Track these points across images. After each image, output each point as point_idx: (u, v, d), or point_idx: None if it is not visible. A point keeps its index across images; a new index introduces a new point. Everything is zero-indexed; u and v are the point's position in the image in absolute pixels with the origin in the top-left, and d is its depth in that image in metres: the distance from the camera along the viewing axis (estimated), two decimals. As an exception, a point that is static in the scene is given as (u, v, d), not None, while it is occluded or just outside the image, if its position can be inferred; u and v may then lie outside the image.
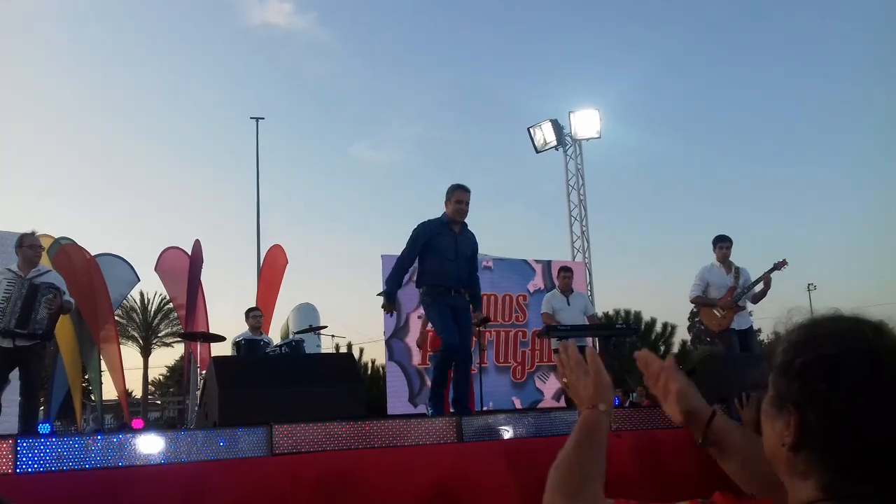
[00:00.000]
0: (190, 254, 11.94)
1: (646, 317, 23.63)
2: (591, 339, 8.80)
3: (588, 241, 14.22)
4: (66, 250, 10.38)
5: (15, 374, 5.85)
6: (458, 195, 5.93)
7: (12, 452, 3.44)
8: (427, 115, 60.21)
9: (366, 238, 53.67)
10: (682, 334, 28.15)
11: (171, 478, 3.50)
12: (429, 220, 6.05)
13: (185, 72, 55.67)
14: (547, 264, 11.08)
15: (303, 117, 57.48)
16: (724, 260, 7.36)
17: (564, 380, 1.35)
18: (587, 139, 14.61)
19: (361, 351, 22.00)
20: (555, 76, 52.97)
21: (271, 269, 12.41)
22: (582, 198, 14.46)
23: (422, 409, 9.48)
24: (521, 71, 55.78)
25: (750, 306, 7.36)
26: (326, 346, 12.45)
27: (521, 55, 56.27)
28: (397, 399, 9.74)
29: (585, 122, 14.48)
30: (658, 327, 23.50)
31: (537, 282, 10.97)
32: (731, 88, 56.98)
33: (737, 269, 7.34)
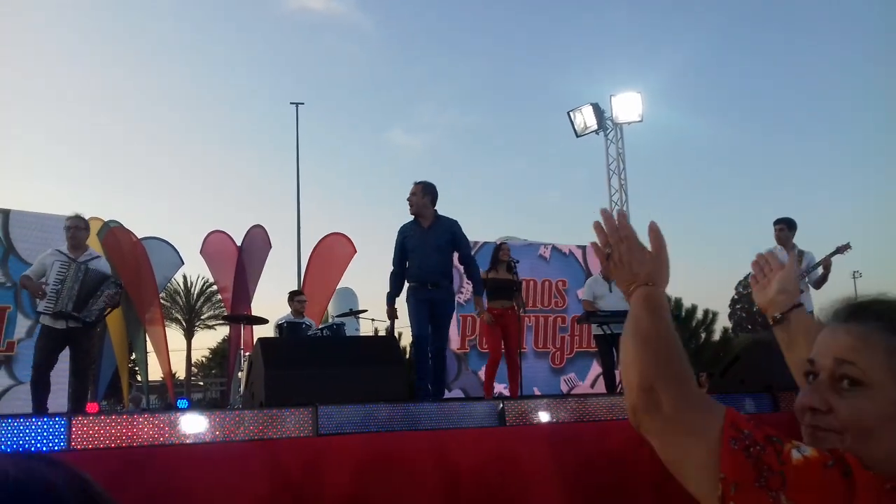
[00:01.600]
0: (243, 238, 12.08)
1: (686, 303, 23.34)
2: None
3: (629, 227, 14.07)
4: (114, 233, 10.60)
5: (63, 355, 5.99)
6: (412, 189, 6.16)
7: (66, 430, 3.53)
8: (463, 99, 60.06)
9: (404, 222, 53.82)
10: (723, 321, 27.75)
11: (220, 456, 3.57)
12: (405, 223, 6.31)
13: (227, 58, 56.32)
14: (582, 249, 10.98)
15: (340, 102, 57.84)
16: (783, 242, 7.23)
17: (607, 250, 1.20)
18: (628, 123, 14.43)
19: (400, 335, 22.11)
20: (595, 59, 52.52)
21: (330, 257, 12.39)
22: (623, 183, 14.30)
23: (456, 393, 9.51)
24: (561, 54, 55.33)
25: (812, 292, 7.17)
26: (366, 330, 12.56)
27: (560, 38, 55.75)
28: (431, 383, 9.79)
29: (627, 106, 14.29)
30: (699, 314, 23.20)
31: (564, 259, 10.89)
32: (777, 70, 55.72)
33: (800, 251, 7.20)
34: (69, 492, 0.52)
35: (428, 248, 6.01)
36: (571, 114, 14.55)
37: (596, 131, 14.51)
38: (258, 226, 12.24)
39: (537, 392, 9.60)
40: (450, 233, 6.11)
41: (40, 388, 5.72)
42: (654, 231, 1.19)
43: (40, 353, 5.87)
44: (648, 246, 1.18)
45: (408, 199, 6.14)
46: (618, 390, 7.62)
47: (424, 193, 6.10)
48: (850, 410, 0.91)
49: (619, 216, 1.21)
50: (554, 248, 10.96)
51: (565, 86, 52.95)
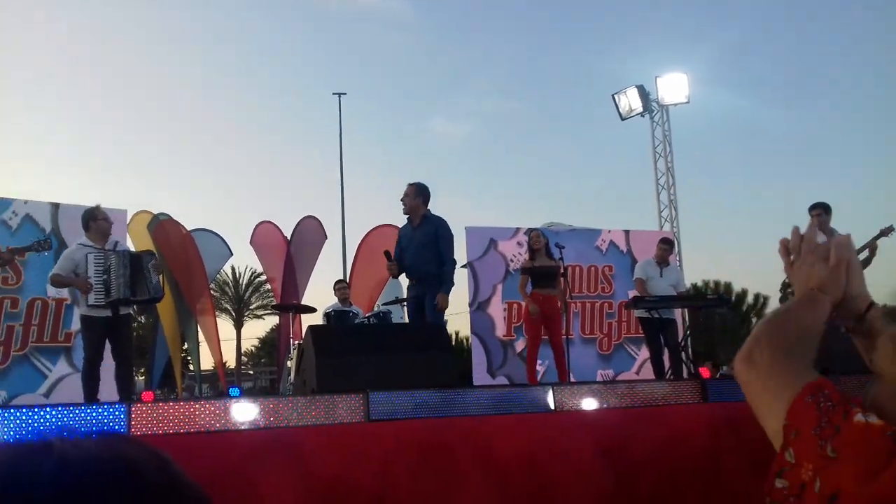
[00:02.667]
0: (293, 230, 12.21)
1: (737, 287, 22.97)
2: (679, 310, 8.63)
3: (676, 211, 13.85)
4: (163, 225, 10.81)
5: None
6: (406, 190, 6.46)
7: (126, 416, 3.64)
8: (504, 85, 59.75)
9: (447, 210, 53.85)
10: (774, 305, 27.23)
11: (274, 442, 3.64)
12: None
13: (271, 49, 56.89)
14: (626, 234, 10.84)
15: (382, 91, 57.99)
16: (822, 228, 7.05)
17: (792, 258, 1.25)
18: (674, 105, 14.18)
19: (445, 322, 22.18)
20: (640, 40, 51.69)
21: (380, 247, 12.39)
22: (669, 166, 14.06)
23: (500, 380, 9.50)
24: (605, 36, 54.69)
25: None
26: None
27: (604, 19, 55.07)
28: (478, 370, 9.77)
29: (673, 87, 14.03)
30: (749, 298, 22.81)
31: (614, 250, 10.77)
32: (827, 50, 54.15)
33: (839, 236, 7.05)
34: (150, 469, 0.53)
35: (414, 246, 6.32)
36: (616, 97, 14.36)
37: (641, 114, 14.28)
38: (311, 216, 12.36)
39: (601, 375, 9.58)
40: (434, 229, 6.33)
41: (91, 380, 5.87)
42: (839, 245, 1.21)
43: (89, 345, 5.99)
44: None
45: (401, 200, 6.44)
46: (667, 376, 7.54)
47: (416, 195, 6.41)
48: None
49: (808, 232, 1.26)
50: (599, 233, 10.86)
51: (609, 68, 52.20)
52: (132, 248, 6.42)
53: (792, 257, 1.26)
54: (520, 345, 9.83)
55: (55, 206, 8.26)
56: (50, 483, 0.49)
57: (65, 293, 7.96)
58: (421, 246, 6.27)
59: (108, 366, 6.07)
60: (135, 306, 6.17)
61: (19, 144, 55.64)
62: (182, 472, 0.56)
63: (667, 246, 8.12)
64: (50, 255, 7.97)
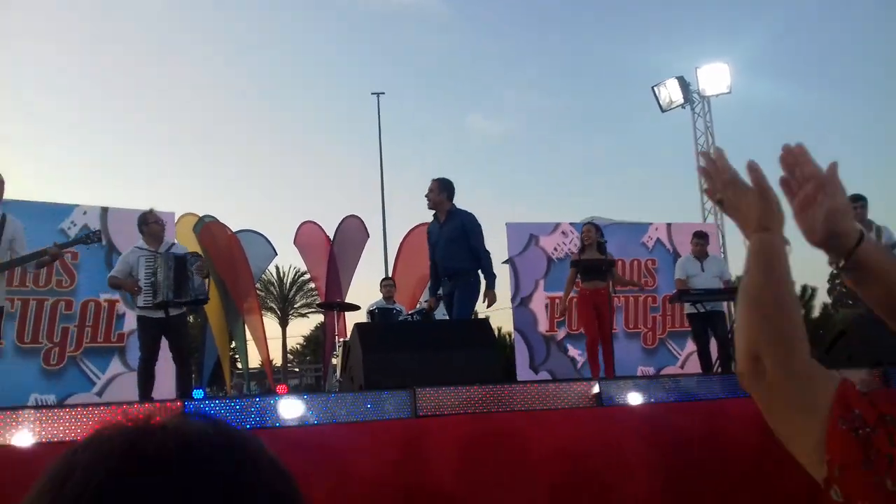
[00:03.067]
0: (336, 230, 12.35)
1: (783, 280, 22.44)
2: (725, 303, 8.50)
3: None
4: (209, 227, 11.01)
5: (164, 344, 6.23)
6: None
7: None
8: (542, 80, 59.39)
9: (487, 207, 53.80)
10: (822, 297, 26.65)
11: (323, 438, 3.70)
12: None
13: (309, 50, 57.42)
14: (668, 227, 10.72)
15: (420, 89, 58.07)
16: (861, 220, 6.92)
17: (718, 196, 1.11)
18: (716, 95, 13.96)
19: (487, 318, 22.17)
20: (679, 31, 50.88)
21: (423, 245, 12.49)
22: (712, 157, 13.86)
23: (543, 375, 9.48)
24: (643, 27, 53.99)
25: None
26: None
27: (642, 10, 54.31)
28: (521, 366, 9.77)
29: (714, 78, 13.82)
30: (797, 290, 22.33)
31: (654, 238, 10.65)
32: (873, 38, 52.66)
33: (878, 227, 6.90)
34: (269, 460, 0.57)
35: (443, 242, 6.27)
36: (656, 88, 14.19)
37: (682, 105, 14.11)
38: (353, 216, 12.49)
39: (641, 371, 9.51)
40: (462, 223, 6.26)
41: (146, 379, 6.03)
42: (753, 170, 1.08)
43: (143, 345, 6.17)
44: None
45: (425, 196, 6.39)
46: (714, 369, 7.46)
47: (441, 190, 6.35)
48: None
49: (717, 157, 1.12)
50: (641, 226, 10.76)
51: (648, 60, 51.56)
52: (184, 251, 6.48)
53: (719, 197, 1.11)
54: (560, 334, 9.80)
55: (104, 210, 8.47)
56: (176, 461, 0.51)
57: (116, 294, 8.17)
58: (449, 241, 6.22)
59: (161, 366, 6.22)
60: (184, 307, 6.27)
61: (67, 148, 57.07)
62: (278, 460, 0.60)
63: (701, 239, 7.98)
64: (102, 257, 8.23)
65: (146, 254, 6.15)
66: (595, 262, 7.34)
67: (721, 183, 1.10)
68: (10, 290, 7.68)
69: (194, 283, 6.11)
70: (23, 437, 3.54)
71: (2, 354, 7.47)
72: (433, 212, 6.48)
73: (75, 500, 0.49)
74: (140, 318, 6.19)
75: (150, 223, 6.31)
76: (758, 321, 0.95)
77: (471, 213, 6.39)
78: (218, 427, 0.56)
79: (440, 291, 6.49)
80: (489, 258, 6.32)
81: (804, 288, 22.67)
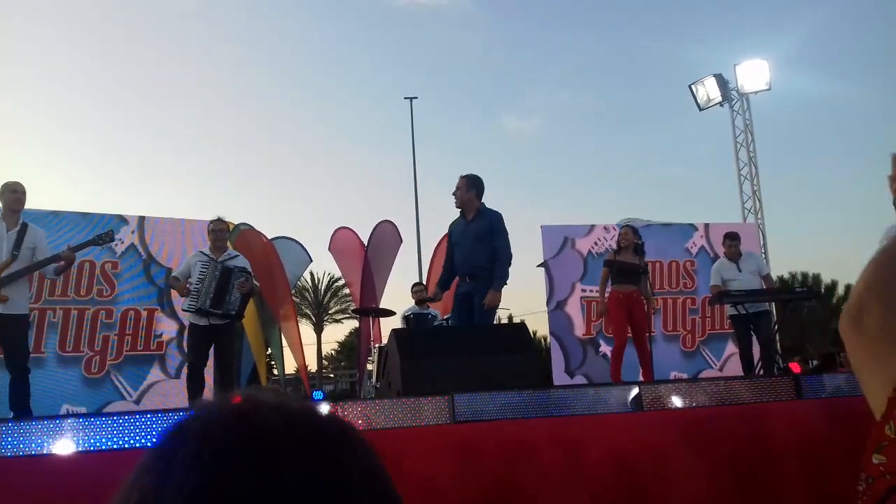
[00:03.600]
0: (370, 234, 12.39)
1: (826, 279, 22.06)
2: (767, 304, 8.32)
3: (760, 202, 13.40)
4: (245, 235, 11.09)
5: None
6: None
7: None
8: (574, 79, 59.08)
9: (522, 208, 53.67)
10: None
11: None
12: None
13: (341, 56, 57.89)
14: (706, 227, 10.54)
15: (452, 92, 58.16)
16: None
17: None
18: (755, 92, 13.74)
19: (523, 322, 22.07)
20: (716, 28, 50.22)
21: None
22: (752, 155, 13.62)
23: (578, 379, 9.37)
24: (678, 25, 53.41)
25: None
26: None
27: (676, 8, 53.79)
28: (556, 369, 9.68)
29: (753, 75, 13.59)
30: (840, 290, 21.88)
31: (698, 245, 10.48)
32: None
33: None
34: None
35: (468, 240, 5.99)
36: (693, 87, 14.02)
37: (720, 103, 13.90)
38: (387, 221, 12.51)
39: (674, 376, 9.34)
40: (487, 223, 5.97)
41: (194, 384, 6.09)
42: None
43: (190, 350, 6.30)
44: None
45: (453, 193, 6.13)
46: (756, 371, 7.30)
47: (469, 187, 6.06)
48: None
49: None
50: (678, 226, 10.60)
51: (685, 58, 50.98)
52: (245, 265, 6.47)
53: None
54: (600, 343, 9.70)
55: (140, 220, 8.58)
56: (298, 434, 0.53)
57: (154, 303, 8.29)
58: (476, 240, 5.94)
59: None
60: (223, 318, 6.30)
61: (102, 156, 58.16)
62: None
63: (732, 241, 7.76)
64: (140, 267, 8.34)
65: (205, 259, 6.26)
66: (629, 265, 7.23)
67: None
68: (51, 300, 7.85)
69: (231, 297, 6.16)
70: (65, 444, 3.58)
71: (42, 363, 7.59)
72: (459, 209, 6.19)
73: (187, 468, 0.50)
74: (191, 325, 6.33)
75: (211, 230, 6.40)
76: (879, 275, 0.94)
77: (499, 213, 6.11)
78: (314, 409, 0.58)
79: (458, 291, 6.19)
80: (508, 261, 6.01)
81: (847, 288, 22.13)
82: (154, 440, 0.55)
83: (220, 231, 6.42)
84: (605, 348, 9.56)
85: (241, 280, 6.20)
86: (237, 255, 6.62)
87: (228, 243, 6.79)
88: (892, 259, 0.95)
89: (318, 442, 0.53)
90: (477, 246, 5.95)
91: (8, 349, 5.51)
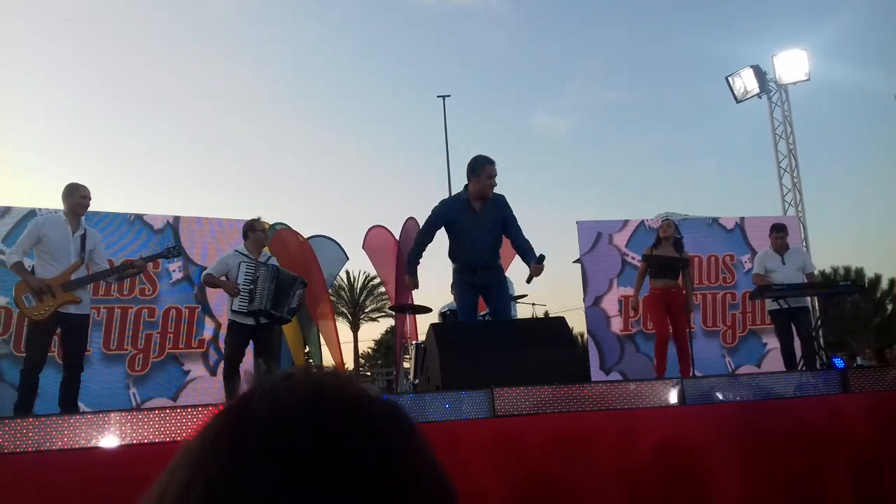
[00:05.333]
0: (400, 231, 12.43)
1: (869, 273, 21.58)
2: (809, 298, 8.18)
3: (801, 194, 13.16)
4: (280, 235, 11.18)
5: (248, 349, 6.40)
6: (489, 170, 5.62)
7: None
8: (607, 74, 58.59)
9: (556, 205, 53.40)
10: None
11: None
12: (447, 199, 6.05)
13: (376, 57, 58.23)
14: (741, 221, 10.36)
15: (483, 90, 58.03)
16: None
17: None
18: (794, 83, 13.49)
19: (563, 318, 21.92)
20: (753, 17, 49.39)
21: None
22: (791, 147, 13.37)
23: (614, 376, 9.26)
24: (713, 16, 52.62)
25: None
26: (522, 315, 12.51)
27: (711, 0, 53.03)
28: (592, 367, 9.59)
29: (791, 65, 13.34)
30: (884, 284, 21.40)
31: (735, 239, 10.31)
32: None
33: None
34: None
35: (484, 234, 5.71)
36: (730, 79, 13.80)
37: (758, 95, 13.67)
38: (412, 218, 12.52)
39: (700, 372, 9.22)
40: (501, 212, 5.75)
41: (232, 382, 6.15)
42: None
43: (229, 348, 6.35)
44: None
45: (490, 180, 5.65)
46: (799, 367, 7.17)
47: None
48: None
49: None
50: (715, 221, 10.45)
51: (721, 49, 50.00)
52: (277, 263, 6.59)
53: None
54: (639, 339, 9.61)
55: (176, 220, 8.72)
56: (363, 418, 0.53)
57: (194, 301, 8.41)
58: (492, 231, 5.75)
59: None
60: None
61: (137, 156, 59.13)
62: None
63: (779, 233, 7.63)
64: (180, 268, 8.48)
65: (247, 260, 6.30)
66: (668, 259, 7.15)
67: None
68: (95, 300, 8.01)
69: (291, 304, 6.30)
70: (111, 439, 3.65)
71: (88, 361, 7.77)
72: (479, 199, 5.73)
73: (261, 459, 0.48)
74: (231, 323, 6.35)
75: (256, 231, 6.47)
76: None
77: (503, 196, 5.83)
78: (375, 395, 0.57)
79: (474, 282, 5.91)
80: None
81: (892, 282, 21.68)
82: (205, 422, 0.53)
83: (263, 231, 6.50)
84: (646, 346, 9.47)
85: (301, 291, 6.37)
86: (272, 256, 6.70)
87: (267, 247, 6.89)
88: None
89: (388, 436, 0.52)
90: (496, 237, 5.78)
91: (72, 348, 5.70)
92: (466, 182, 5.81)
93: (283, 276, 6.30)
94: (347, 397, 0.53)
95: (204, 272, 6.72)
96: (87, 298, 5.81)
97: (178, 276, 8.48)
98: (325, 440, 0.49)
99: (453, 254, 5.93)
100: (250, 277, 6.20)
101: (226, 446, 0.50)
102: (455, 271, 6.00)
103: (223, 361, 6.36)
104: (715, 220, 10.50)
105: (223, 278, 6.29)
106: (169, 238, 8.33)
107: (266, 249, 6.79)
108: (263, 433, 0.49)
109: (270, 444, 0.49)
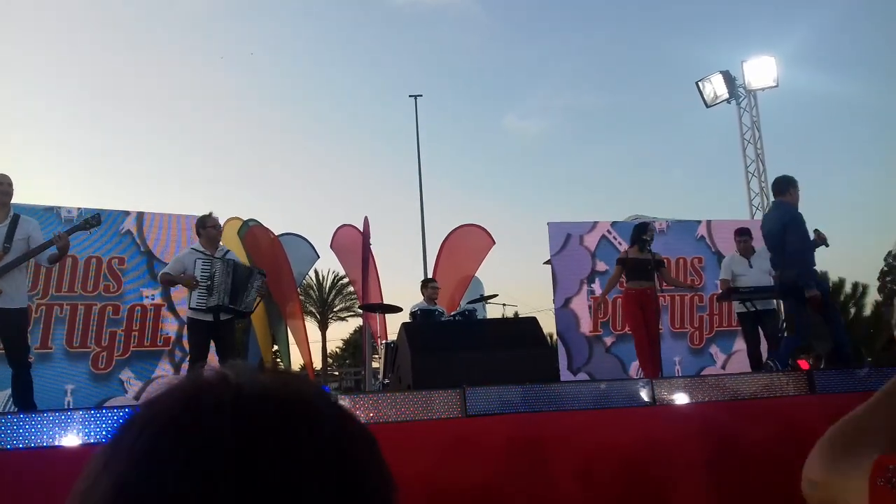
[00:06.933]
0: (361, 230, 12.37)
1: (833, 277, 21.94)
2: (776, 301, 8.28)
3: (768, 199, 13.31)
4: (253, 231, 11.07)
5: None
6: None
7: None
8: (578, 78, 58.98)
9: (528, 207, 53.56)
10: (873, 295, 25.83)
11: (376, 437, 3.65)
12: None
13: (347, 56, 57.95)
14: (708, 224, 10.49)
15: (456, 90, 58.05)
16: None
17: None
18: (762, 89, 13.67)
19: (535, 318, 21.99)
20: (722, 25, 50.04)
21: (464, 247, 12.42)
22: (759, 152, 13.54)
23: (581, 377, 9.30)
24: (684, 22, 53.24)
25: None
26: (493, 316, 12.55)
27: (682, 5, 53.69)
28: (560, 368, 9.62)
29: (760, 72, 13.52)
30: (847, 287, 21.76)
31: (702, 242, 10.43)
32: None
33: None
34: (324, 405, 0.54)
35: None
36: (700, 84, 13.94)
37: (727, 100, 13.83)
38: (365, 217, 12.45)
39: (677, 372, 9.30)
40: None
41: None
42: None
43: (193, 347, 6.26)
44: None
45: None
46: (764, 368, 7.27)
47: None
48: None
49: None
50: (679, 223, 10.57)
51: (691, 55, 50.59)
52: (237, 259, 6.49)
53: None
54: (608, 340, 9.66)
55: (140, 215, 8.57)
56: (231, 414, 0.50)
57: (160, 298, 8.28)
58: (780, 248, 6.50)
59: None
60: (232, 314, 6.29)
61: (114, 155, 58.20)
62: (351, 412, 0.56)
63: (743, 236, 7.75)
64: (144, 263, 8.34)
65: (203, 256, 6.18)
66: (643, 261, 7.20)
67: None
68: (58, 296, 7.84)
69: (249, 296, 6.18)
70: (72, 439, 3.57)
71: (50, 358, 7.60)
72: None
73: (128, 451, 0.49)
74: (190, 321, 6.23)
75: (207, 227, 6.35)
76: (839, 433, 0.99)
77: None
78: (298, 388, 0.54)
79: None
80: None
81: (855, 285, 22.07)
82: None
83: (215, 227, 6.40)
84: (615, 347, 9.53)
85: (259, 283, 6.24)
86: (229, 251, 6.61)
87: (238, 242, 6.79)
88: (845, 420, 0.98)
89: (271, 427, 0.50)
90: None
91: (6, 344, 5.41)
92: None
93: (240, 269, 6.20)
94: (237, 392, 0.51)
95: (161, 272, 6.57)
96: (18, 291, 5.41)
97: (142, 272, 8.34)
98: (182, 440, 0.49)
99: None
100: (207, 273, 6.08)
101: (114, 441, 0.51)
102: None
103: (189, 362, 6.24)
104: (687, 222, 10.61)
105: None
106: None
107: (223, 244, 6.69)
108: (130, 432, 0.51)
109: (140, 434, 0.50)
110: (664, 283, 7.69)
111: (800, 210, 6.58)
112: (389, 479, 0.54)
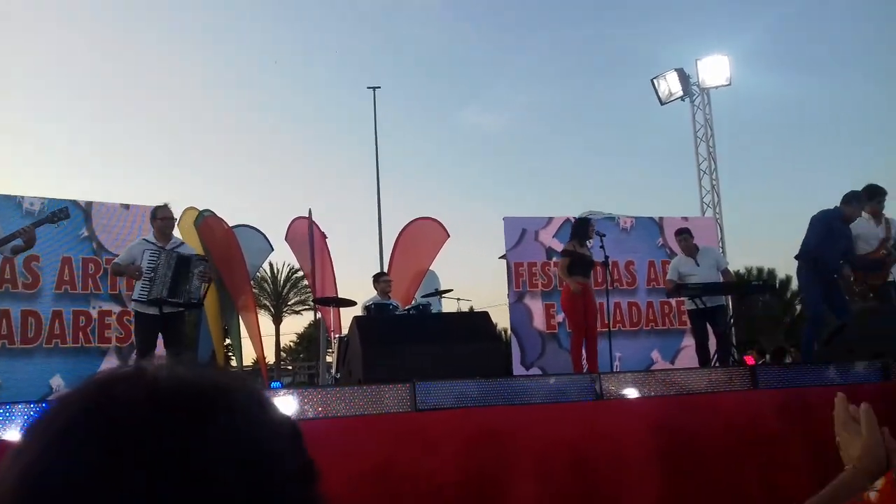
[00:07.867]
0: (312, 222, 12.24)
1: (780, 274, 22.51)
2: (725, 297, 8.43)
3: (719, 196, 13.59)
4: (207, 222, 10.88)
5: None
6: None
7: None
8: (537, 73, 59.31)
9: (484, 201, 53.68)
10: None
11: (323, 432, 3.64)
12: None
13: (305, 46, 57.37)
14: (660, 220, 10.61)
15: (414, 84, 57.86)
16: (876, 214, 6.91)
17: (838, 439, 1.25)
18: (716, 87, 13.92)
19: (487, 312, 22.09)
20: (678, 23, 50.75)
21: (419, 240, 12.36)
22: (711, 150, 13.79)
23: (534, 371, 9.36)
24: (641, 20, 53.95)
25: None
26: (448, 310, 12.57)
27: (638, 3, 54.35)
28: (514, 362, 9.66)
29: (714, 70, 13.77)
30: (794, 285, 22.35)
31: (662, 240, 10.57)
32: (880, 28, 52.50)
33: (887, 220, 6.87)
34: (242, 397, 0.55)
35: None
36: (655, 81, 14.12)
37: (681, 98, 14.05)
38: (309, 209, 12.34)
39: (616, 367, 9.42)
40: None
41: None
42: (864, 414, 1.21)
43: (140, 342, 6.12)
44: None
45: None
46: (713, 363, 7.40)
47: None
48: None
49: (840, 403, 1.25)
50: (638, 220, 10.67)
51: (647, 52, 50.95)
52: (191, 251, 6.34)
53: (838, 439, 1.25)
54: (559, 329, 9.72)
55: (88, 204, 8.35)
56: (142, 405, 0.50)
57: (107, 291, 8.10)
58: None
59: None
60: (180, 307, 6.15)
61: (74, 144, 56.69)
62: (273, 403, 0.57)
63: (683, 235, 7.87)
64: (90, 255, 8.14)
65: (152, 248, 6.04)
66: (587, 258, 7.29)
67: (840, 425, 1.24)
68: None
69: (192, 285, 6.02)
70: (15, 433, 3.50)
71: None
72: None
73: (38, 440, 0.49)
74: (137, 314, 6.10)
75: (156, 219, 6.22)
76: None
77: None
78: (218, 380, 0.54)
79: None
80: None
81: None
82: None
83: (169, 219, 6.27)
84: (567, 342, 9.60)
85: (200, 269, 6.06)
86: (183, 243, 6.48)
87: (195, 232, 6.66)
88: None
89: (183, 419, 0.50)
90: None
91: None
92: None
93: (181, 260, 6.03)
94: (152, 382, 0.52)
95: (112, 262, 6.43)
96: None
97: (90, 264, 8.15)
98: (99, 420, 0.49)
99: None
100: (153, 265, 5.93)
101: (36, 427, 0.52)
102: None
103: (136, 356, 6.11)
104: (650, 224, 10.67)
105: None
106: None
107: (179, 236, 6.57)
108: (42, 423, 0.51)
109: (54, 424, 0.50)
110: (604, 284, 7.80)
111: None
112: (309, 468, 0.55)
